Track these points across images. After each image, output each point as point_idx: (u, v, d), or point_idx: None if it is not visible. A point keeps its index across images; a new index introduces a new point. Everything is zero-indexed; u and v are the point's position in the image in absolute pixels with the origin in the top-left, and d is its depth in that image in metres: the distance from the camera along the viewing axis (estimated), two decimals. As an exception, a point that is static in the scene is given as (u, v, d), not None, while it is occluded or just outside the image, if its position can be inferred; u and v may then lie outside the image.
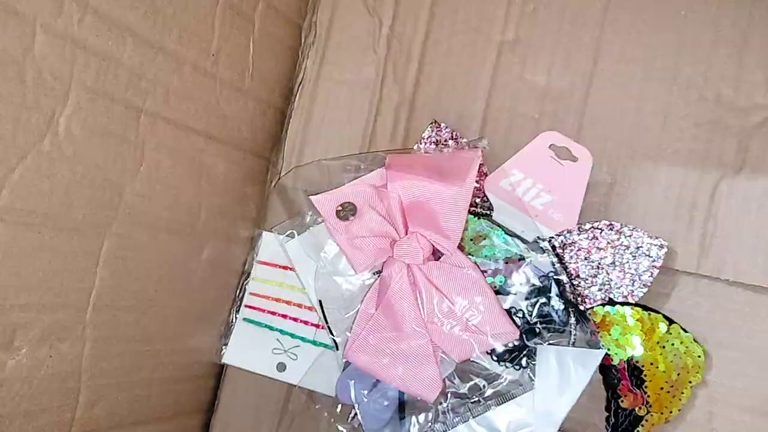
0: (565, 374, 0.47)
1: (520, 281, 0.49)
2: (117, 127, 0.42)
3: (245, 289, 0.56)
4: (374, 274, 0.52)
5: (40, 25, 0.36)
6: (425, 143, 0.54)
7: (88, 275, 0.42)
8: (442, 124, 0.54)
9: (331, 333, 0.52)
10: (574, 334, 0.49)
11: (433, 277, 0.49)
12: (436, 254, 0.50)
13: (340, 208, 0.51)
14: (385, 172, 0.51)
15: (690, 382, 0.47)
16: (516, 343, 0.49)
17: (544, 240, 0.50)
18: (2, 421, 0.39)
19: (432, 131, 0.54)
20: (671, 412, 0.47)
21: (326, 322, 0.52)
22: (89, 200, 0.41)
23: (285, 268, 0.55)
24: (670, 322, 0.48)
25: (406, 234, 0.50)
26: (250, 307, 0.55)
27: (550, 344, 0.48)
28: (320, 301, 0.52)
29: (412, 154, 0.53)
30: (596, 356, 0.47)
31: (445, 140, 0.53)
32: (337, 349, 0.52)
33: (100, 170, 0.41)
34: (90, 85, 0.39)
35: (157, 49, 0.43)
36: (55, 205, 0.39)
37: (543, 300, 0.49)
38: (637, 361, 0.48)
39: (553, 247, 0.50)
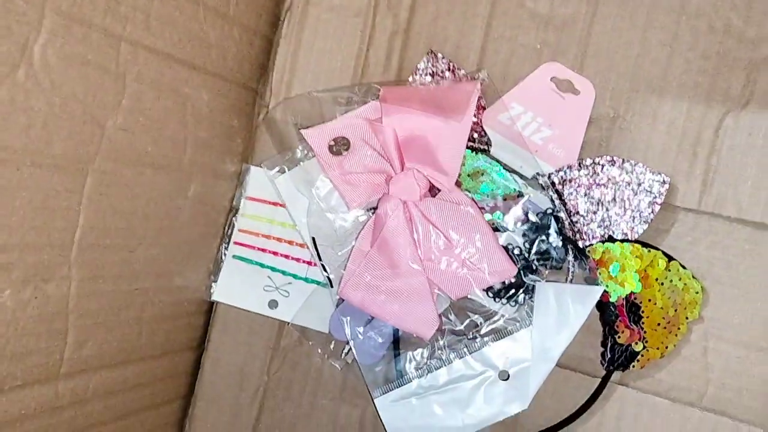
0: (563, 311, 0.47)
1: (518, 218, 0.48)
2: (96, 56, 0.39)
3: (234, 225, 0.54)
4: (368, 210, 0.50)
5: (8, -57, 0.33)
6: (421, 75, 0.51)
7: (72, 213, 0.40)
8: (439, 55, 0.51)
9: (325, 270, 0.51)
10: (572, 271, 0.48)
11: (429, 214, 0.48)
12: (433, 191, 0.49)
13: (332, 142, 0.49)
14: (379, 105, 0.49)
15: (687, 318, 0.47)
16: (513, 280, 0.48)
17: (543, 176, 0.49)
18: (-12, 364, 0.38)
19: (428, 62, 0.51)
20: (667, 347, 0.47)
21: (320, 259, 0.51)
22: (69, 134, 0.39)
23: (275, 204, 0.53)
24: (670, 258, 0.47)
25: (402, 170, 0.48)
26: (239, 243, 0.54)
27: (548, 281, 0.48)
28: (313, 239, 0.51)
29: (408, 86, 0.51)
30: (594, 293, 0.47)
31: (442, 72, 0.51)
32: (332, 286, 0.51)
33: (80, 102, 0.39)
34: (65, 10, 0.36)
35: (136, -29, 0.40)
36: (34, 140, 0.36)
37: (541, 237, 0.48)
38: (635, 298, 0.47)
39: (553, 183, 0.49)
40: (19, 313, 0.38)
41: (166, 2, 0.43)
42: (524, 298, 0.48)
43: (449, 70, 0.51)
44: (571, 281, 0.48)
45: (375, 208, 0.49)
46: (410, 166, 0.48)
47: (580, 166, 0.48)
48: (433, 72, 0.51)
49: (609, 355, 0.48)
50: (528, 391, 0.47)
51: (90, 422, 0.46)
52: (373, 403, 0.49)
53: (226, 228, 0.54)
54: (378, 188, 0.48)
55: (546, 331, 0.47)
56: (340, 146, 0.49)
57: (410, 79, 0.52)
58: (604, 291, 0.47)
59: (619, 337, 0.47)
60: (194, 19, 0.46)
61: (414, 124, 0.47)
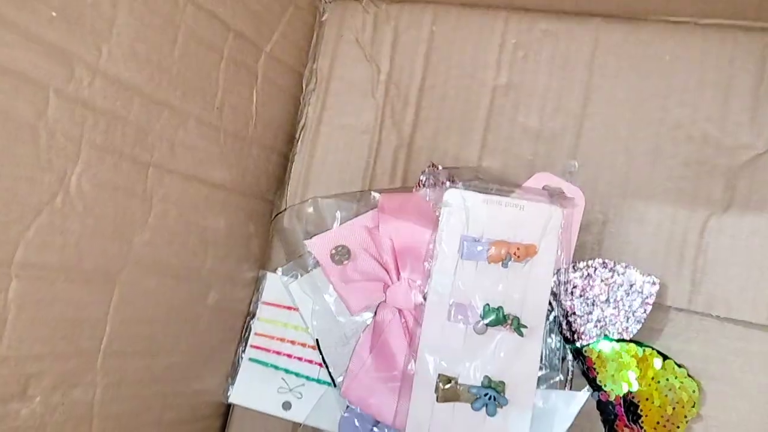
0: (550, 414, 0.48)
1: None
2: (125, 181, 0.44)
3: (251, 329, 0.57)
4: (374, 313, 0.54)
5: (53, 90, 0.38)
6: (423, 184, 0.55)
7: (99, 323, 0.44)
8: (439, 166, 0.55)
9: (329, 370, 0.53)
10: (572, 371, 0.50)
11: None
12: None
13: (334, 251, 0.53)
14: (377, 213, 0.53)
15: (686, 416, 0.48)
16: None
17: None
18: (17, 468, 0.40)
19: (429, 173, 0.56)
20: (667, 446, 0.48)
21: (323, 360, 0.53)
22: (100, 251, 0.43)
23: (289, 308, 0.57)
24: (664, 357, 0.49)
25: (398, 278, 0.52)
26: (255, 347, 0.57)
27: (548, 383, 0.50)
28: (317, 340, 0.54)
29: (407, 194, 0.55)
30: (579, 398, 0.49)
31: (442, 182, 0.55)
32: (334, 385, 0.53)
33: (110, 222, 0.43)
34: (99, 144, 0.41)
35: (162, 106, 0.45)
36: (67, 258, 0.41)
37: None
38: (633, 397, 0.49)
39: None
40: (48, 418, 0.41)
41: (190, 131, 0.48)
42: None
43: (449, 179, 0.55)
44: (570, 380, 0.50)
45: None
46: (405, 276, 0.51)
47: (574, 268, 0.51)
48: (434, 182, 0.55)
49: (611, 455, 0.49)
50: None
51: None
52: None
53: (244, 331, 0.58)
54: (377, 294, 0.52)
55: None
56: (341, 255, 0.53)
57: (414, 190, 0.56)
58: (603, 390, 0.49)
59: (619, 436, 0.49)
60: (215, 143, 0.51)
61: (409, 234, 0.51)
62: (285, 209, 0.58)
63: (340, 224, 0.55)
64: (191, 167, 0.49)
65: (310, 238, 0.55)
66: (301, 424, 0.55)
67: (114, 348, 0.45)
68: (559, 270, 0.51)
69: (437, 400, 0.49)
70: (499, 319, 0.49)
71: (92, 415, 0.45)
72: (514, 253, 0.49)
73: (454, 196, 0.51)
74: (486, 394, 0.48)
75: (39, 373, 0.40)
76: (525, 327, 0.49)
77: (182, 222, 0.49)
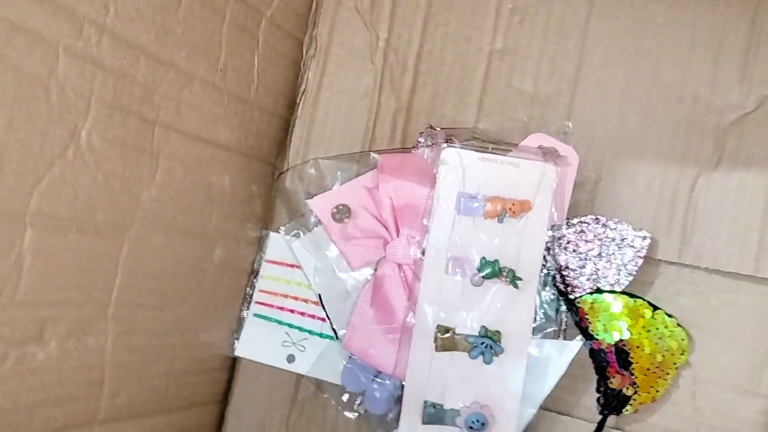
0: (543, 362, 0.50)
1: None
2: (133, 138, 0.45)
3: (255, 286, 0.59)
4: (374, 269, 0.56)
5: (63, 48, 0.40)
6: (422, 146, 0.57)
7: (110, 274, 0.46)
8: (437, 128, 0.57)
9: (331, 324, 0.55)
10: (565, 321, 0.52)
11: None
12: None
13: (335, 210, 0.55)
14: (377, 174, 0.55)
15: (675, 363, 0.50)
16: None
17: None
18: (35, 408, 0.42)
19: (428, 135, 0.57)
20: (657, 391, 0.50)
21: (326, 314, 0.55)
22: (109, 205, 0.45)
23: (292, 266, 0.58)
24: (655, 308, 0.51)
25: (398, 235, 0.54)
26: (260, 303, 0.59)
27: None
28: (320, 296, 0.56)
29: (405, 154, 0.56)
30: (572, 347, 0.51)
31: (440, 143, 0.57)
32: (336, 338, 0.55)
33: (119, 177, 0.45)
34: (108, 101, 0.43)
35: (168, 66, 0.47)
36: (79, 210, 0.43)
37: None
38: (624, 345, 0.51)
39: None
40: (63, 362, 0.44)
41: (194, 91, 0.50)
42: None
43: (446, 141, 0.57)
44: (564, 331, 0.52)
45: (378, 268, 0.55)
46: (404, 232, 0.53)
47: (567, 224, 0.53)
48: (432, 143, 0.57)
49: (603, 400, 0.51)
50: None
51: (122, 469, 0.50)
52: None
53: (248, 289, 0.60)
54: (377, 251, 0.54)
55: (529, 380, 0.50)
56: (342, 214, 0.54)
57: (413, 151, 0.57)
58: (596, 339, 0.51)
59: (611, 382, 0.51)
60: (219, 104, 0.53)
61: (407, 192, 0.53)
62: (287, 170, 0.60)
63: (341, 184, 0.57)
64: (196, 127, 0.51)
65: (312, 197, 0.56)
66: (304, 376, 0.57)
67: (124, 299, 0.47)
68: (553, 226, 0.53)
69: (436, 350, 0.51)
70: (495, 271, 0.51)
71: (104, 362, 0.47)
72: (510, 209, 0.51)
73: (451, 155, 0.52)
74: (483, 343, 0.50)
75: (54, 318, 0.42)
76: (520, 279, 0.51)
77: (188, 180, 0.51)
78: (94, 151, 0.43)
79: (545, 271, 0.52)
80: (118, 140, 0.44)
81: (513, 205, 0.51)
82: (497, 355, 0.51)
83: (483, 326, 0.51)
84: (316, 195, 0.56)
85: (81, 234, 0.43)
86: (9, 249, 0.39)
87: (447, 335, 0.51)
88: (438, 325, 0.51)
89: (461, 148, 0.52)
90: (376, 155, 0.57)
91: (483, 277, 0.51)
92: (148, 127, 0.47)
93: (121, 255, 0.46)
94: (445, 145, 0.53)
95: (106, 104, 0.43)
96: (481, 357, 0.50)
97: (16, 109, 0.37)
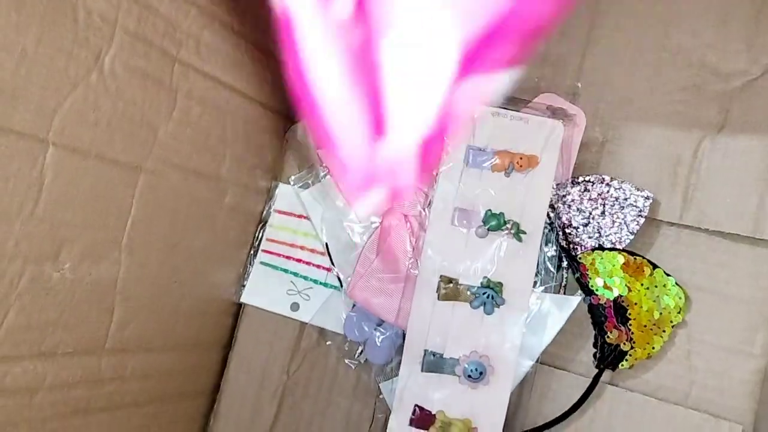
0: (543, 316, 0.52)
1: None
2: (154, 70, 0.46)
3: (262, 235, 0.60)
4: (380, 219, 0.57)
5: (92, -28, 0.41)
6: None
7: (125, 204, 0.47)
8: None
9: (337, 273, 0.56)
10: (566, 277, 0.53)
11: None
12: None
13: (344, 159, 0.56)
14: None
15: (671, 321, 0.51)
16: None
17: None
18: (46, 328, 0.43)
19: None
20: (653, 348, 0.51)
21: (332, 263, 0.56)
22: (128, 135, 0.46)
23: (300, 216, 0.59)
24: (654, 266, 0.52)
25: (405, 186, 0.55)
26: (266, 251, 0.60)
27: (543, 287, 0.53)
28: (326, 244, 0.57)
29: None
30: (571, 302, 0.52)
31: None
32: (341, 285, 0.56)
33: (138, 109, 0.46)
34: (132, 30, 0.44)
35: (190, 3, 0.48)
36: (99, 136, 0.43)
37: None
38: (623, 301, 0.52)
39: (548, 198, 0.54)
40: (76, 285, 0.44)
41: (215, 32, 0.51)
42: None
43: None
44: (564, 286, 0.53)
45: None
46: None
47: (573, 183, 0.54)
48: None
49: (599, 354, 0.52)
50: (507, 386, 0.51)
51: (126, 401, 0.51)
52: (380, 388, 0.54)
53: (256, 237, 0.61)
54: (384, 201, 0.55)
55: (528, 333, 0.51)
56: None
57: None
58: (594, 294, 0.52)
59: (608, 337, 0.52)
60: (237, 49, 0.54)
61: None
62: (299, 121, 0.61)
63: (352, 137, 0.57)
64: (215, 68, 0.52)
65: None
66: (307, 324, 0.58)
67: (138, 231, 0.48)
68: (558, 184, 0.54)
69: (438, 299, 0.52)
70: (500, 224, 0.52)
71: (115, 291, 0.48)
72: (517, 163, 0.52)
73: None
74: (484, 294, 0.51)
75: (71, 239, 0.43)
76: (524, 233, 0.52)
77: (204, 121, 0.52)
78: (117, 78, 0.44)
79: (549, 227, 0.53)
80: (140, 71, 0.45)
81: (520, 159, 0.52)
82: (498, 306, 0.52)
83: (485, 277, 0.52)
84: (326, 146, 0.57)
85: (100, 160, 0.44)
86: (31, 164, 0.40)
87: (450, 285, 0.52)
88: (441, 275, 0.53)
89: (472, 102, 0.53)
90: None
91: (488, 229, 0.52)
92: (169, 62, 0.48)
93: (137, 187, 0.47)
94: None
95: (129, 33, 0.44)
96: (482, 307, 0.52)
97: (44, 25, 0.38)
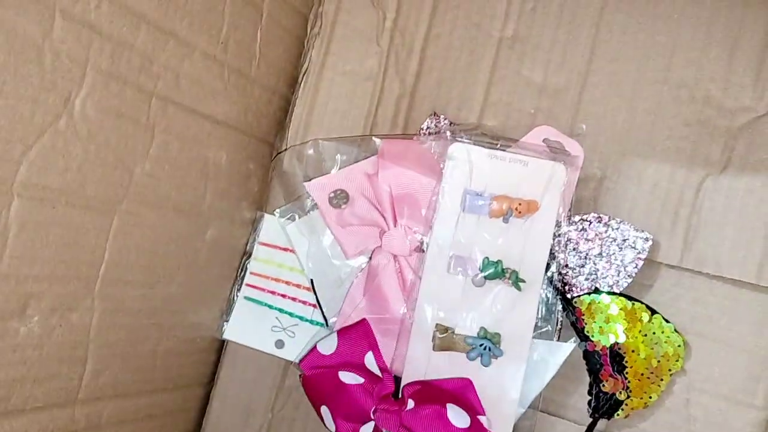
0: (535, 363, 0.50)
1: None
2: (129, 109, 0.44)
3: (246, 268, 0.58)
4: (369, 258, 0.54)
5: (59, 11, 0.38)
6: (425, 133, 0.56)
7: (98, 250, 0.44)
8: (441, 116, 0.55)
9: (322, 311, 0.54)
10: (560, 321, 0.51)
11: (417, 269, 0.51)
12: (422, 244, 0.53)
13: (332, 194, 0.53)
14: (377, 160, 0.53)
15: (670, 370, 0.49)
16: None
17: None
18: (14, 384, 0.41)
19: (431, 122, 0.56)
20: (651, 397, 0.49)
21: (317, 300, 0.54)
22: (101, 178, 0.43)
23: (285, 249, 0.57)
24: (653, 312, 0.50)
25: (395, 224, 0.52)
26: (251, 286, 0.58)
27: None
28: (312, 281, 0.54)
29: (408, 141, 0.55)
30: (564, 349, 0.50)
31: (444, 131, 0.55)
32: (327, 325, 0.54)
33: (112, 150, 0.43)
34: (104, 69, 0.41)
35: (168, 35, 0.45)
36: (69, 182, 0.41)
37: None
38: (619, 348, 0.50)
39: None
40: (45, 339, 0.42)
41: (195, 63, 0.48)
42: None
43: (451, 131, 0.55)
44: (559, 331, 0.51)
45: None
46: (402, 222, 0.52)
47: (569, 222, 0.52)
48: (436, 131, 0.56)
49: (594, 403, 0.50)
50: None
51: (102, 448, 0.49)
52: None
53: (240, 271, 0.58)
54: (373, 239, 0.53)
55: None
56: (339, 199, 0.53)
57: (415, 138, 0.56)
58: (590, 341, 0.50)
59: (603, 385, 0.50)
60: (219, 78, 0.51)
61: (408, 181, 0.52)
62: (286, 149, 0.58)
63: (340, 168, 0.55)
64: (195, 101, 0.49)
65: (310, 180, 0.55)
66: (292, 362, 0.56)
67: (112, 275, 0.46)
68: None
69: (434, 349, 0.50)
70: (498, 272, 0.50)
71: (89, 340, 0.45)
72: (516, 209, 0.50)
73: (459, 150, 0.51)
74: (481, 345, 0.49)
75: (38, 293, 0.41)
76: (523, 281, 0.50)
77: (184, 155, 0.49)
78: (88, 121, 0.41)
79: (549, 273, 0.51)
80: (114, 111, 0.43)
81: (519, 204, 0.50)
82: (496, 358, 0.50)
83: (482, 327, 0.50)
84: (314, 178, 0.55)
85: (70, 207, 0.41)
86: (-6, 219, 0.37)
87: (445, 335, 0.50)
88: (437, 324, 0.50)
89: (470, 143, 0.51)
90: (378, 140, 0.55)
91: (485, 278, 0.50)
92: (145, 98, 0.45)
93: (111, 230, 0.45)
94: (448, 135, 0.52)
95: (102, 72, 0.41)
96: (479, 359, 0.49)
97: (6, 73, 0.36)
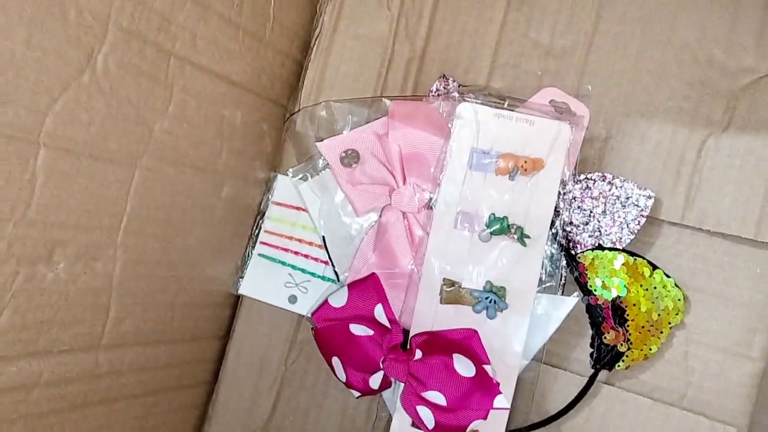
0: (539, 316, 0.52)
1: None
2: (149, 67, 0.45)
3: (260, 227, 0.60)
4: (379, 215, 0.56)
5: (82, -31, 0.39)
6: (434, 95, 0.57)
7: (120, 202, 0.46)
8: (450, 78, 0.57)
9: (333, 267, 0.56)
10: (564, 276, 0.53)
11: (425, 224, 0.53)
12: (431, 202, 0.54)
13: (343, 154, 0.55)
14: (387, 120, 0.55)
15: (669, 323, 0.51)
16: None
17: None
18: (41, 327, 0.43)
19: (440, 84, 0.57)
20: (651, 349, 0.51)
21: (329, 257, 0.56)
22: (123, 133, 0.45)
23: (298, 208, 0.59)
24: (654, 267, 0.51)
25: (404, 183, 0.54)
26: (265, 243, 0.60)
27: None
28: (323, 238, 0.56)
29: (417, 102, 0.56)
30: (568, 303, 0.52)
31: (453, 93, 0.57)
32: (338, 280, 0.56)
33: (133, 106, 0.45)
34: (125, 27, 0.43)
35: (186, -4, 0.47)
36: (92, 135, 0.43)
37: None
38: (621, 302, 0.51)
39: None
40: (71, 285, 0.44)
41: (211, 25, 0.50)
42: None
43: (459, 92, 0.57)
44: (563, 286, 0.53)
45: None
46: (411, 180, 0.54)
47: (574, 180, 0.53)
48: (445, 93, 0.57)
49: (596, 354, 0.52)
50: (509, 392, 0.51)
51: (123, 393, 0.51)
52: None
53: (254, 228, 0.60)
54: (382, 197, 0.55)
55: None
56: (350, 158, 0.55)
57: (424, 100, 0.57)
58: (593, 294, 0.52)
59: (605, 337, 0.51)
60: (234, 40, 0.53)
61: (417, 140, 0.53)
62: (299, 110, 0.60)
63: (351, 129, 0.57)
64: (211, 61, 0.51)
65: (322, 140, 0.57)
66: (305, 317, 0.58)
67: (133, 227, 0.48)
68: (560, 181, 0.53)
69: (440, 302, 0.52)
70: (504, 228, 0.51)
71: (111, 288, 0.48)
72: (522, 166, 0.51)
73: (467, 110, 0.52)
74: (487, 298, 0.51)
75: (64, 240, 0.43)
76: (528, 237, 0.51)
77: (200, 114, 0.51)
78: (110, 77, 0.43)
79: (553, 230, 0.52)
80: (134, 68, 0.44)
81: (525, 162, 0.51)
82: (501, 311, 0.51)
83: (488, 281, 0.52)
84: (326, 138, 0.57)
85: (93, 159, 0.44)
86: (23, 167, 0.39)
87: (452, 288, 0.52)
88: (444, 278, 0.52)
89: (477, 103, 0.52)
90: (388, 102, 0.57)
91: (491, 233, 0.51)
92: (164, 57, 0.47)
93: (132, 184, 0.47)
94: (457, 96, 0.53)
95: (123, 30, 0.43)
96: (484, 312, 0.51)
97: (33, 27, 0.37)
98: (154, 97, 0.47)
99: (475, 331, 0.50)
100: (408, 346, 0.52)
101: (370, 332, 0.52)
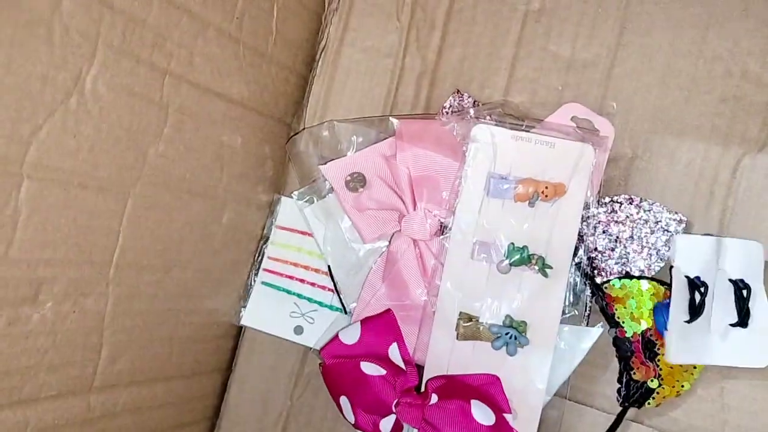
0: (561, 349, 0.48)
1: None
2: (142, 87, 0.42)
3: (264, 253, 0.56)
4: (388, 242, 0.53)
5: (68, -16, 0.36)
6: (447, 112, 0.54)
7: (112, 233, 0.43)
8: (465, 94, 0.53)
9: (340, 297, 0.53)
10: (589, 306, 0.49)
11: (438, 253, 0.50)
12: (442, 228, 0.51)
13: (349, 178, 0.52)
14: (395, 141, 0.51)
15: (703, 358, 0.47)
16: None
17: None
18: (27, 372, 0.40)
19: (454, 101, 0.54)
20: (683, 386, 0.48)
21: (335, 286, 0.53)
22: (114, 159, 0.42)
23: (303, 233, 0.56)
24: (686, 297, 0.48)
25: (414, 207, 0.50)
26: (268, 270, 0.56)
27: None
28: (329, 266, 0.53)
29: (426, 121, 0.53)
30: (592, 334, 0.48)
31: (467, 110, 0.53)
32: (345, 312, 0.53)
33: (125, 130, 0.42)
34: (116, 45, 0.40)
35: (182, 11, 0.43)
36: (81, 163, 0.39)
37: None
38: (650, 334, 0.48)
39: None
40: (59, 325, 0.41)
41: (209, 40, 0.46)
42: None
43: (474, 108, 0.53)
44: (588, 316, 0.49)
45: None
46: (421, 205, 0.50)
47: (599, 203, 0.50)
48: (459, 110, 0.54)
49: (624, 391, 0.48)
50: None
51: (118, 436, 0.48)
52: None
53: (257, 255, 0.57)
54: (391, 224, 0.51)
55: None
56: (356, 182, 0.51)
57: (437, 116, 0.54)
58: (620, 327, 0.48)
59: (634, 373, 0.48)
60: (234, 56, 0.49)
61: (427, 162, 0.50)
62: (301, 130, 0.56)
63: (357, 150, 0.53)
64: (209, 79, 0.47)
65: (326, 163, 0.53)
66: (312, 348, 0.55)
67: (127, 260, 0.44)
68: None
69: (457, 338, 0.49)
70: (524, 258, 0.48)
71: (103, 326, 0.44)
72: (542, 192, 0.48)
73: (483, 132, 0.49)
74: (507, 333, 0.48)
75: (51, 278, 0.39)
76: (550, 267, 0.48)
77: (198, 136, 0.48)
78: (100, 100, 0.39)
79: (577, 259, 0.49)
80: (126, 89, 0.41)
81: (546, 188, 0.48)
82: (522, 347, 0.48)
83: (508, 315, 0.48)
84: (330, 160, 0.53)
85: (82, 189, 0.40)
86: (4, 201, 0.36)
87: (470, 323, 0.48)
88: (461, 313, 0.49)
89: (493, 124, 0.49)
90: (395, 121, 0.53)
91: (510, 264, 0.48)
92: (158, 76, 0.43)
93: (124, 213, 0.44)
94: (472, 113, 0.50)
95: (113, 49, 0.39)
96: (504, 348, 0.48)
97: (14, 49, 0.34)
98: (148, 118, 0.43)
99: (496, 377, 0.47)
100: (423, 389, 0.49)
101: (383, 371, 0.49)
